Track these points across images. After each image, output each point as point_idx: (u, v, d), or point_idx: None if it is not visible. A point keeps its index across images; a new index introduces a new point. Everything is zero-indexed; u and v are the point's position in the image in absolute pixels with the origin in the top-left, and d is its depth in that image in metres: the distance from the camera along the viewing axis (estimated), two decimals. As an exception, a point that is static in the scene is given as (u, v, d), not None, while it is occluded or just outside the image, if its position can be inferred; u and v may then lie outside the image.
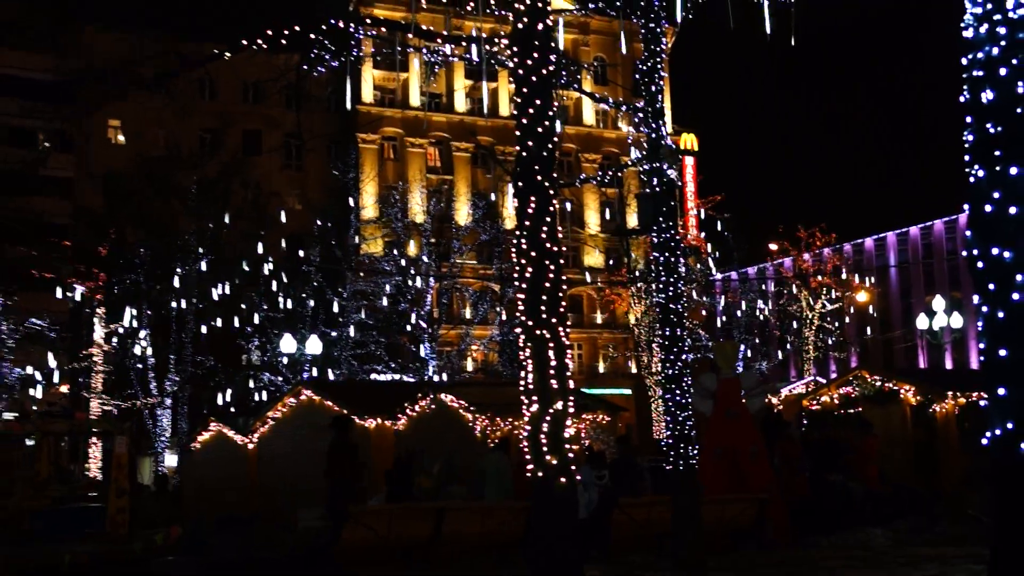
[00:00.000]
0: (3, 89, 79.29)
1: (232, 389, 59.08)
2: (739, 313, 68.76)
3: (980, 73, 9.38)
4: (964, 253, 9.59)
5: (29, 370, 55.58)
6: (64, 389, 62.14)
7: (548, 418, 15.02)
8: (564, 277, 16.22)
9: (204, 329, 58.55)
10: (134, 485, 43.42)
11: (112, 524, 31.34)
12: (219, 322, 58.34)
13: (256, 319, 58.38)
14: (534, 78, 16.38)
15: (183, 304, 58.00)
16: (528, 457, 15.27)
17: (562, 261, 16.16)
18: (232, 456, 33.17)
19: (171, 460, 57.87)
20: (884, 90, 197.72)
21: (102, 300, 57.39)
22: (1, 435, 41.19)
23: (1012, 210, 9.05)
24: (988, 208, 9.20)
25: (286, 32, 17.68)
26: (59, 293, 56.50)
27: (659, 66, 24.02)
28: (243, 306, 58.66)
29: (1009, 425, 9.06)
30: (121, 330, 57.06)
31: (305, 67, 19.26)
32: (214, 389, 59.44)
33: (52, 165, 73.75)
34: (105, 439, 56.97)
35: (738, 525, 23.81)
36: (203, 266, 56.94)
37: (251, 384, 60.03)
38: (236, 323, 58.95)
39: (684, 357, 22.12)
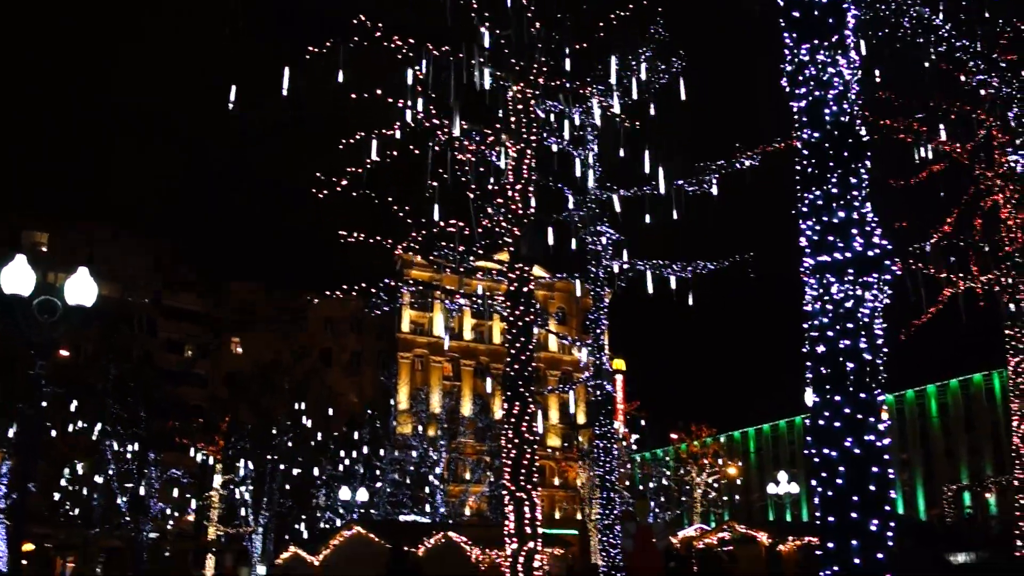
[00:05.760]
0: (169, 315, 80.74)
1: (305, 523, 58.02)
2: (651, 482, 68.53)
3: (816, 334, 9.56)
4: (805, 452, 9.59)
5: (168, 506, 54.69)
6: (191, 518, 61.09)
7: (524, 553, 14.77)
8: (536, 455, 16.15)
9: (287, 482, 58.21)
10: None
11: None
12: (298, 476, 58.09)
13: (323, 475, 58.08)
14: (519, 323, 16.56)
15: (275, 463, 57.59)
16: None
17: (536, 446, 16.11)
18: (303, 570, 32.40)
19: (261, 570, 56.46)
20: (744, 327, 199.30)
21: (220, 459, 56.77)
22: (151, 549, 40.51)
23: (837, 424, 9.16)
24: (821, 423, 9.31)
25: (355, 287, 17.94)
26: (192, 453, 56.17)
27: (602, 316, 24.35)
28: (315, 466, 58.30)
29: (836, 568, 9.01)
30: (232, 480, 56.54)
31: (366, 309, 19.51)
32: (293, 522, 58.49)
33: (195, 367, 74.64)
34: (218, 555, 55.86)
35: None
36: (288, 437, 56.83)
37: (318, 519, 59.04)
38: (310, 476, 58.67)
39: (616, 512, 21.88)
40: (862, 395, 9.18)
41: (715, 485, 70.55)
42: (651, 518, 63.40)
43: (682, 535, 43.94)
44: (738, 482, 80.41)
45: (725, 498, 75.00)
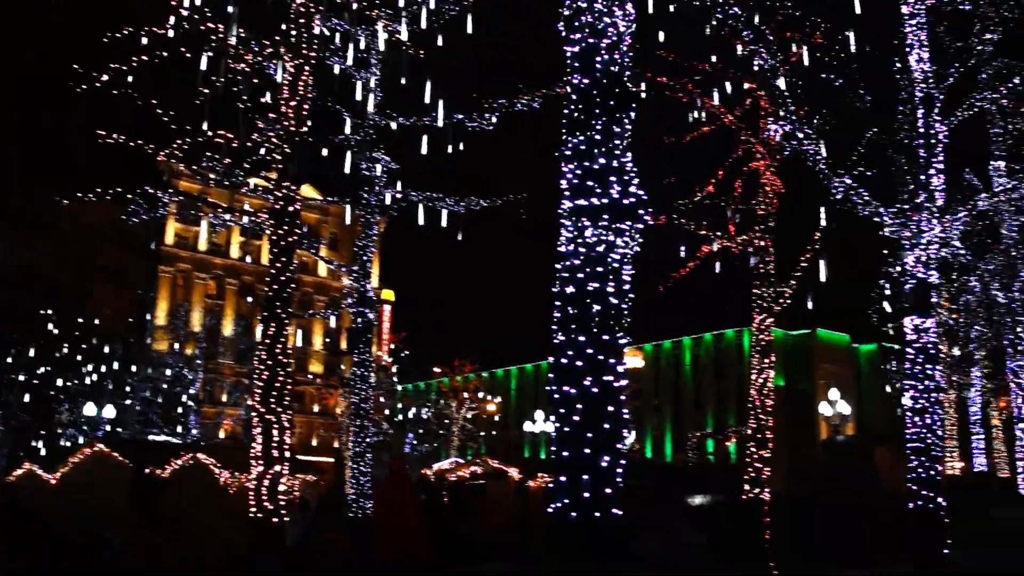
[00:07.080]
0: None
1: (45, 440, 55.50)
2: (411, 413, 69.41)
3: (566, 275, 9.93)
4: (547, 387, 10.01)
5: None
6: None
7: (269, 476, 14.72)
8: (290, 379, 16.02)
9: (26, 394, 55.39)
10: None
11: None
12: (39, 389, 55.43)
13: (68, 389, 55.66)
14: (282, 243, 16.30)
15: (13, 373, 54.59)
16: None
17: (290, 368, 15.98)
18: (40, 489, 30.93)
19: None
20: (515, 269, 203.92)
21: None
22: None
23: (579, 363, 9.59)
24: (564, 361, 9.72)
25: (110, 191, 17.08)
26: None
27: (370, 244, 24.30)
28: (59, 380, 55.68)
29: (566, 500, 9.48)
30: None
31: (123, 217, 18.62)
32: (31, 439, 55.83)
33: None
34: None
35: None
36: (31, 351, 54.08)
37: (60, 436, 56.60)
38: (52, 392, 56.07)
39: (368, 440, 22.07)
40: (604, 337, 9.63)
41: (474, 420, 72.27)
42: (407, 449, 64.53)
43: (436, 467, 44.89)
44: (497, 418, 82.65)
45: (483, 434, 76.84)
